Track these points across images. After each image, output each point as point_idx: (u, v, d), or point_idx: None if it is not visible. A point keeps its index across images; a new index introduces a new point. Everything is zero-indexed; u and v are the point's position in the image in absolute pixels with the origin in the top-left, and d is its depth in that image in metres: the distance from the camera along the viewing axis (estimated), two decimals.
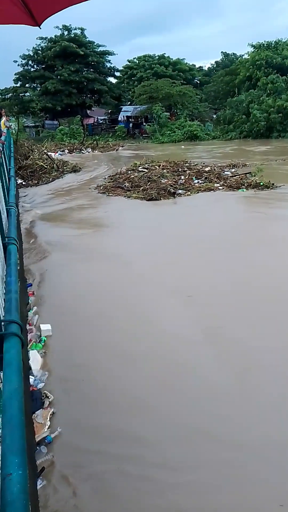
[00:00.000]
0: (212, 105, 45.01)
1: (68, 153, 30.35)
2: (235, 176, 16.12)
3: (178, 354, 5.03)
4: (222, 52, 58.24)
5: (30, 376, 4.49)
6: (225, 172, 17.03)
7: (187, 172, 17.05)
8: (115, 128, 44.94)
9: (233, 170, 17.59)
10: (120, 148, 34.31)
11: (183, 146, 32.59)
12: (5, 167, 8.66)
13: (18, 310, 2.74)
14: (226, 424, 3.80)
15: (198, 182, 15.63)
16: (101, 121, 50.97)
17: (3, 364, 2.03)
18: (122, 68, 52.61)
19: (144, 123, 42.84)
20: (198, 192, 14.31)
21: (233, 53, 55.68)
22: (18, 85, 47.52)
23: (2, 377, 2.02)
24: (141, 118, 43.98)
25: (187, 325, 5.62)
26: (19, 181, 17.29)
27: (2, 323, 2.41)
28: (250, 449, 3.52)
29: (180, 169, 17.69)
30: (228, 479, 3.28)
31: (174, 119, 40.76)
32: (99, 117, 51.41)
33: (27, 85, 47.82)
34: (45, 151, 23.92)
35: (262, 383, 4.37)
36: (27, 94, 46.91)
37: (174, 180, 15.67)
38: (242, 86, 39.20)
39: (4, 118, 14.65)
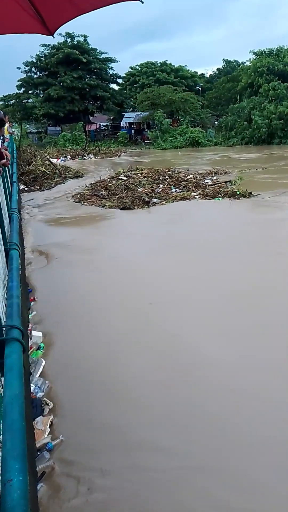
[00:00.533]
0: (214, 111, 45.17)
1: (70, 159, 30.52)
2: (214, 184, 15.82)
3: (178, 350, 5.06)
4: (224, 59, 58.81)
5: (31, 384, 4.47)
6: (206, 180, 16.74)
7: (167, 180, 16.79)
8: (117, 134, 45.15)
9: (214, 178, 17.36)
10: (122, 154, 34.45)
11: (180, 153, 32.70)
12: (7, 172, 8.69)
13: (20, 315, 2.75)
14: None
15: (175, 191, 15.43)
16: (103, 127, 51.19)
17: (4, 369, 2.04)
18: (124, 75, 53.02)
19: (146, 130, 43.01)
20: (173, 201, 14.08)
21: (235, 60, 56.16)
22: (21, 91, 47.92)
23: (3, 382, 2.02)
24: (143, 124, 44.16)
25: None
26: (22, 186, 17.36)
27: (4, 328, 2.42)
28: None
29: (161, 177, 17.43)
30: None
31: (176, 126, 40.93)
32: (101, 123, 51.64)
33: (30, 91, 48.20)
34: (48, 157, 24.01)
35: None
36: (30, 100, 47.27)
37: (152, 188, 15.48)
38: (243, 92, 39.36)
39: (7, 124, 14.73)
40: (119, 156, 32.92)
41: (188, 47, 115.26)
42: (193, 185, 15.79)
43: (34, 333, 5.51)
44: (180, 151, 34.03)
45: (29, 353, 5.08)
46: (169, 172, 18.73)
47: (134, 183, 16.19)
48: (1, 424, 1.70)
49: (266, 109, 34.71)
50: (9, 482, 1.27)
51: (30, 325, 5.85)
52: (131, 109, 50.92)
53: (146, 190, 15.13)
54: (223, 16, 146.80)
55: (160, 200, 14.20)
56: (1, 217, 4.34)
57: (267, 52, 39.27)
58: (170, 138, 38.86)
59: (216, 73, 59.71)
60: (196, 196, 14.53)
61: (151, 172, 18.62)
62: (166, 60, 52.87)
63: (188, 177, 17.44)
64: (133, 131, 44.54)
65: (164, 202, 14.09)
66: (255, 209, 12.70)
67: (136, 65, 53.93)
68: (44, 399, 4.30)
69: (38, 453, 3.55)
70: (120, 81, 53.05)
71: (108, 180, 17.79)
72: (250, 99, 37.11)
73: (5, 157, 6.16)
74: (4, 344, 2.26)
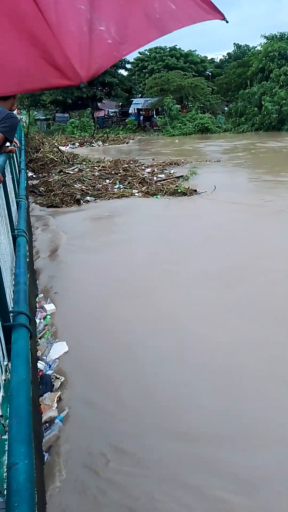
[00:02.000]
0: (224, 97, 44.54)
1: (78, 146, 30.39)
2: (163, 180, 14.96)
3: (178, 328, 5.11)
4: (234, 43, 57.61)
5: (41, 363, 4.56)
6: (159, 175, 15.95)
7: (119, 175, 15.99)
8: (126, 121, 44.80)
9: (173, 171, 16.78)
10: (131, 141, 34.22)
11: (177, 140, 32.34)
12: (16, 160, 8.67)
13: (27, 301, 2.75)
14: None
15: (119, 187, 14.52)
16: (111, 114, 50.82)
17: (11, 355, 2.05)
18: (133, 60, 52.38)
19: (155, 116, 42.62)
20: (109, 199, 13.27)
21: (246, 45, 54.93)
22: None
23: (10, 367, 2.03)
24: (152, 110, 43.75)
25: None
26: (30, 173, 17.33)
27: (11, 314, 2.42)
28: None
29: (113, 172, 16.57)
30: None
31: (185, 112, 40.48)
32: (109, 110, 51.26)
33: None
34: (56, 144, 23.93)
35: None
36: None
37: (93, 184, 14.66)
38: (254, 78, 38.72)
39: (15, 111, 14.67)
40: (127, 143, 32.71)
41: (198, 32, 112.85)
42: (138, 181, 14.88)
43: (47, 306, 5.84)
44: (178, 139, 33.49)
45: (41, 335, 5.18)
46: (125, 166, 17.81)
47: (74, 178, 15.14)
48: (7, 409, 1.71)
49: (277, 95, 34.21)
50: (14, 466, 1.28)
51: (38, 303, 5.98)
52: (140, 95, 50.44)
53: (83, 187, 14.22)
54: (236, 0, 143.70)
55: (94, 198, 13.39)
56: (8, 204, 4.34)
57: (278, 36, 38.56)
58: (179, 124, 38.48)
59: (227, 58, 58.68)
60: (136, 194, 13.70)
61: (107, 164, 17.78)
62: (176, 45, 52.12)
63: (147, 170, 16.85)
64: (141, 117, 44.16)
65: (98, 200, 13.28)
66: (185, 205, 12.13)
67: (145, 50, 53.21)
68: (54, 374, 4.42)
69: (46, 425, 3.67)
70: (128, 66, 52.43)
71: (47, 176, 16.76)
72: (260, 84, 36.54)
73: (13, 144, 6.14)
74: (11, 330, 2.27)
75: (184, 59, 50.69)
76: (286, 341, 4.90)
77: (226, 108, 42.28)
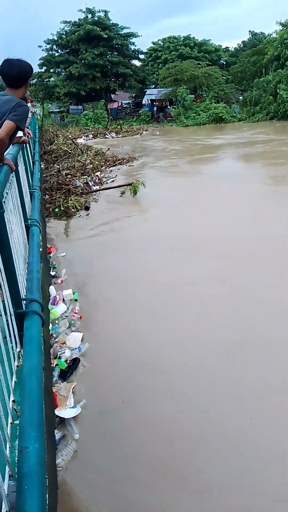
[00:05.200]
0: (238, 86, 43.76)
1: (92, 138, 30.33)
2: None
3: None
4: (249, 31, 56.53)
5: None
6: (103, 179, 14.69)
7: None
8: (139, 112, 44.45)
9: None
10: (144, 132, 34.00)
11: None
12: (29, 151, 8.69)
13: (40, 290, 2.76)
14: None
15: None
16: (125, 105, 50.49)
17: (23, 341, 2.05)
18: (146, 51, 51.86)
19: (169, 106, 42.19)
20: None
21: (261, 32, 53.83)
22: (42, 70, 47.52)
23: (22, 354, 2.03)
24: (165, 101, 43.29)
25: None
26: (43, 165, 17.37)
27: (24, 301, 2.43)
28: None
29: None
30: None
31: (199, 102, 39.99)
32: (123, 101, 50.94)
33: (51, 70, 47.75)
34: (70, 136, 23.91)
35: None
36: (52, 79, 46.91)
37: None
38: (269, 66, 37.85)
39: (29, 104, 14.64)
40: (141, 134, 32.49)
41: (214, 20, 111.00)
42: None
43: (64, 292, 6.11)
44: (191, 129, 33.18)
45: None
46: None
47: None
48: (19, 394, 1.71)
49: None
50: (25, 450, 1.28)
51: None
52: (154, 85, 49.97)
53: None
54: None
55: None
56: (21, 194, 4.35)
57: None
58: (193, 114, 38.05)
59: (241, 46, 57.69)
60: None
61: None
62: (190, 34, 51.47)
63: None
64: (155, 108, 43.74)
65: None
66: None
67: (158, 40, 52.70)
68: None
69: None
70: (142, 57, 51.99)
71: None
72: (276, 72, 35.68)
73: (26, 134, 6.14)
74: (24, 317, 2.27)
75: (198, 49, 50.06)
76: None
77: (241, 97, 41.59)
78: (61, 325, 5.21)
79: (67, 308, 5.74)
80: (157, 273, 6.82)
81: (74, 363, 4.44)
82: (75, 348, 4.74)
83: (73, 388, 4.01)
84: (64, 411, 3.69)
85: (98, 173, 16.10)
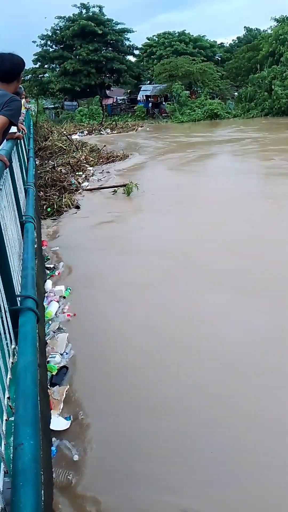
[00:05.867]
0: (233, 82, 43.74)
1: (87, 134, 30.24)
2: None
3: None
4: (245, 27, 56.42)
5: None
6: (93, 177, 14.43)
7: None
8: (134, 108, 44.31)
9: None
10: (139, 128, 33.92)
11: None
12: (24, 147, 8.65)
13: (34, 286, 2.75)
14: None
15: None
16: (120, 101, 50.33)
17: (18, 338, 2.05)
18: (141, 46, 51.68)
19: (164, 102, 42.10)
20: None
21: (256, 28, 53.81)
22: (37, 66, 47.24)
23: (17, 351, 2.02)
24: (160, 97, 43.17)
25: None
26: (38, 162, 17.29)
27: (18, 298, 2.42)
28: None
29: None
30: None
31: (195, 98, 39.93)
32: (118, 97, 50.77)
33: (46, 66, 47.48)
34: (64, 132, 23.83)
35: None
36: (46, 75, 46.65)
37: None
38: (264, 62, 37.86)
39: (24, 100, 14.55)
40: (135, 131, 32.40)
41: (209, 16, 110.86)
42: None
43: (56, 287, 6.13)
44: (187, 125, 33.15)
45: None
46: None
47: None
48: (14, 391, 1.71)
49: (287, 79, 33.47)
50: (20, 446, 1.27)
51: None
52: (149, 81, 49.83)
53: None
54: None
55: None
56: (16, 191, 4.33)
57: None
58: (188, 110, 38.01)
59: (236, 42, 57.61)
60: None
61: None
62: (185, 30, 51.40)
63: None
64: (150, 104, 43.61)
65: None
66: None
67: (153, 36, 52.54)
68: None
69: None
70: (137, 52, 51.79)
71: None
72: (271, 68, 35.70)
73: (21, 130, 6.10)
74: (19, 314, 2.27)
75: (193, 44, 50.00)
76: None
77: (236, 93, 41.56)
78: (51, 327, 5.13)
79: (59, 307, 5.68)
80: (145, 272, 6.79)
81: (61, 370, 4.34)
82: (64, 352, 4.64)
83: (66, 391, 3.99)
84: (56, 422, 3.57)
85: (90, 168, 16.11)
